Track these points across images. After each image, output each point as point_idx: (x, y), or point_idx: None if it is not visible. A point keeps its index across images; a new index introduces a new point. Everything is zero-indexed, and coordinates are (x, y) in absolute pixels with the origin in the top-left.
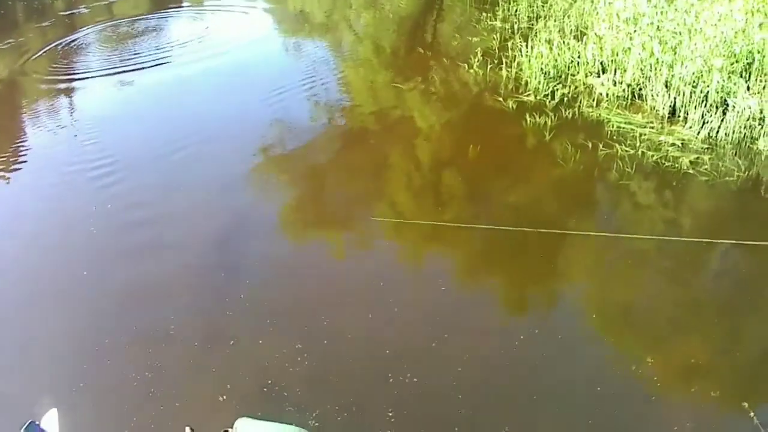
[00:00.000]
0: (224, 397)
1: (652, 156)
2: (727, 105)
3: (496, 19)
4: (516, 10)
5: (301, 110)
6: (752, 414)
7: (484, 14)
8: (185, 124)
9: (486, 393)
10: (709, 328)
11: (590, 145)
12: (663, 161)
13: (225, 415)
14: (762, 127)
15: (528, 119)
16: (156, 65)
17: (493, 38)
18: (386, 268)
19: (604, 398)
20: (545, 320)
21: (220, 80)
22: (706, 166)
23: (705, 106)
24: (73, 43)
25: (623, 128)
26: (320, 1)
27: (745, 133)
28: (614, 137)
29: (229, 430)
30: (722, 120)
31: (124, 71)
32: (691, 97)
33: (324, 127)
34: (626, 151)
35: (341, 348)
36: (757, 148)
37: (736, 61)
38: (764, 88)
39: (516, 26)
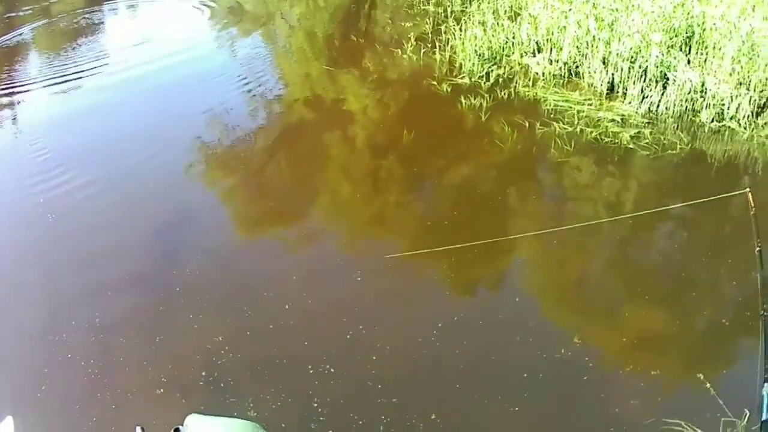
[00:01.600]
0: (162, 390)
1: (591, 132)
2: (668, 79)
3: (429, 4)
4: None
5: (238, 105)
6: (708, 385)
7: None
8: (119, 126)
9: (414, 380)
10: (658, 302)
11: (527, 124)
12: (603, 137)
13: (169, 408)
14: (704, 100)
15: (463, 101)
16: (90, 72)
17: (426, 23)
18: (324, 258)
19: (543, 380)
20: (481, 301)
21: (155, 81)
22: (647, 141)
23: (644, 81)
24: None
25: (561, 106)
26: None
27: (686, 107)
28: (552, 116)
29: (180, 427)
30: (662, 94)
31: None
32: (629, 72)
33: (260, 120)
34: (564, 128)
35: (263, 341)
36: (699, 120)
37: (676, 36)
38: (705, 61)
39: (449, 9)
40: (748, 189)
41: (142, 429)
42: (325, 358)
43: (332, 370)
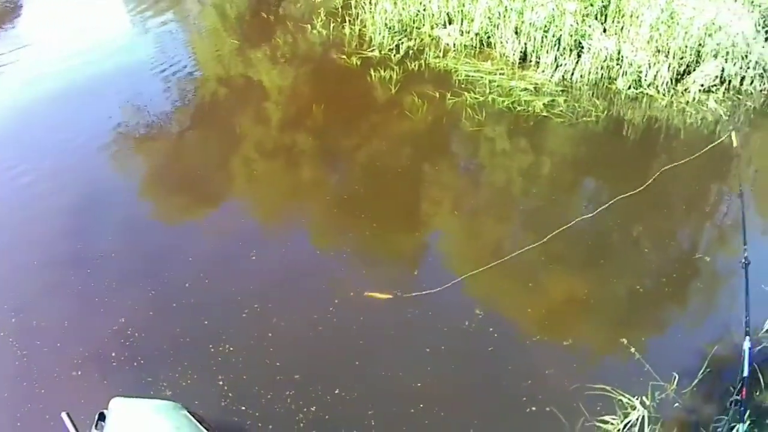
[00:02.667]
0: (79, 372)
1: (504, 102)
2: (582, 48)
3: None
4: None
5: (151, 86)
6: (633, 349)
7: None
8: (32, 109)
9: (314, 357)
10: (577, 269)
11: (438, 95)
12: (515, 106)
13: (88, 391)
14: (620, 67)
15: (373, 74)
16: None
17: None
18: (225, 237)
19: (448, 354)
20: (380, 276)
21: (64, 65)
22: (561, 108)
23: (558, 50)
24: None
25: (472, 77)
26: None
27: (602, 74)
28: (463, 86)
29: (105, 411)
30: (577, 63)
31: None
32: (542, 41)
33: (173, 100)
34: (476, 98)
35: (166, 321)
36: (616, 88)
37: (591, 5)
38: (622, 29)
39: None
40: (732, 128)
41: (68, 415)
42: (224, 336)
43: (231, 348)
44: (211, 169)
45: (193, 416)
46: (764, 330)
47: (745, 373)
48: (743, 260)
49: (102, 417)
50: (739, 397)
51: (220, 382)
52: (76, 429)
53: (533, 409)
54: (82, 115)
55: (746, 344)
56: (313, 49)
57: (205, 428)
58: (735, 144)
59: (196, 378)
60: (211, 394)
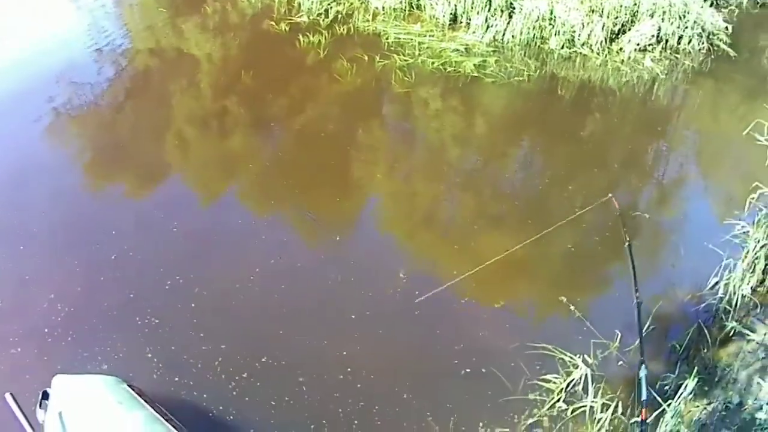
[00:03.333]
0: (18, 349)
1: (434, 63)
2: (514, 8)
3: None
4: None
5: (84, 62)
6: (572, 307)
7: None
8: None
9: (237, 327)
10: (514, 228)
11: (367, 58)
12: (445, 67)
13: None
14: (553, 27)
15: (302, 39)
16: None
17: None
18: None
19: (374, 319)
20: (300, 242)
21: None
22: (492, 68)
23: (489, 10)
24: None
25: (402, 39)
26: None
27: (534, 34)
28: (392, 48)
29: (48, 390)
30: (508, 23)
31: None
32: (473, 2)
33: (107, 74)
34: (405, 60)
35: (94, 294)
36: (548, 48)
37: None
38: None
39: None
40: (610, 195)
41: (12, 396)
42: (149, 309)
43: (156, 320)
44: (140, 140)
45: (132, 389)
46: (708, 287)
47: (644, 397)
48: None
49: (45, 396)
50: (639, 419)
51: (149, 354)
52: (20, 409)
53: (468, 371)
54: (14, 90)
55: (642, 372)
56: (243, 17)
57: (145, 401)
58: (617, 207)
59: (127, 351)
60: (143, 366)
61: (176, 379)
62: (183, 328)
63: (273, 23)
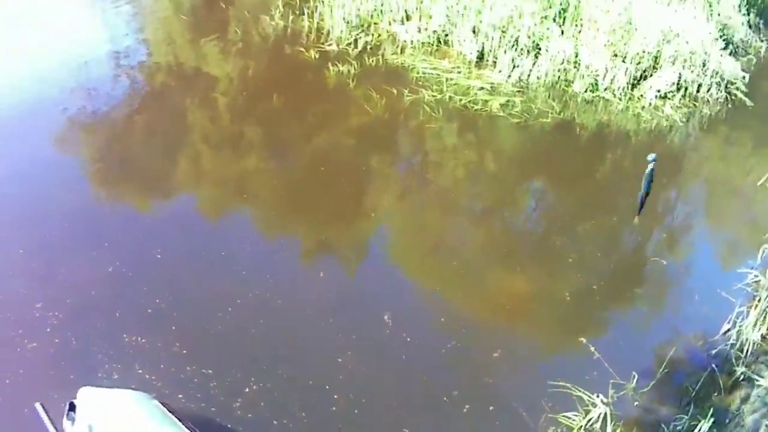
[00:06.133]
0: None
1: (461, 100)
2: (540, 49)
3: None
4: None
5: (104, 74)
6: (593, 348)
7: None
8: None
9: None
10: (532, 269)
11: (395, 91)
12: (472, 105)
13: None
14: (578, 71)
15: (331, 68)
16: None
17: None
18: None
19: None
20: (346, 263)
21: (17, 47)
22: (517, 109)
23: (516, 50)
24: None
25: (429, 74)
26: None
27: (559, 77)
28: (420, 83)
29: (74, 401)
30: (534, 64)
31: None
32: (500, 41)
33: (125, 90)
34: (433, 95)
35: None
36: (572, 91)
37: (550, 7)
38: (580, 32)
39: None
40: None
41: (42, 406)
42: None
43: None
44: (150, 156)
45: (162, 406)
46: (720, 333)
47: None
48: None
49: (72, 407)
50: None
51: (140, 371)
52: (50, 419)
53: (491, 408)
54: (34, 99)
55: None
56: (271, 41)
57: (176, 418)
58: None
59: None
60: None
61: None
62: (166, 349)
63: (303, 50)
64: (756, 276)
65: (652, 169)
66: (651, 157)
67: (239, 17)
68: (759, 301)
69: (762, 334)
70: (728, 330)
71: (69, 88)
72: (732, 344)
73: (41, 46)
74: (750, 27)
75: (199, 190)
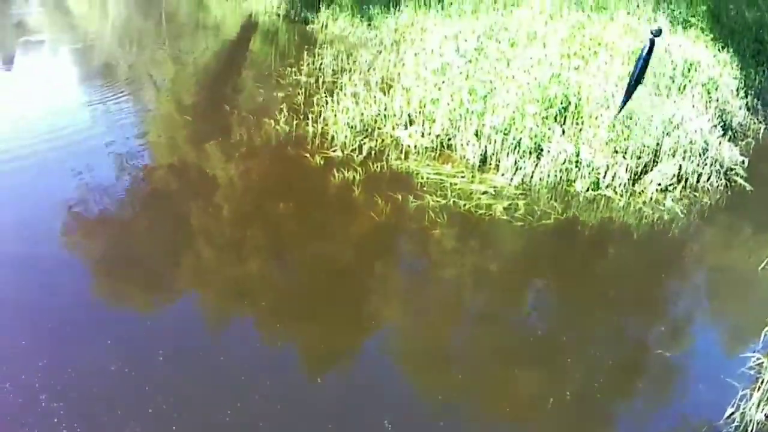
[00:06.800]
0: None
1: (465, 205)
2: (542, 150)
3: (300, 74)
4: (321, 64)
5: (103, 172)
6: None
7: (288, 68)
8: None
9: None
10: (534, 370)
11: (400, 197)
12: (476, 209)
13: None
14: (579, 170)
15: (336, 174)
16: None
17: (299, 93)
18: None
19: None
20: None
21: (17, 144)
22: (520, 212)
23: (518, 152)
24: None
25: (433, 179)
26: (124, 53)
27: (560, 177)
28: (424, 188)
29: None
30: (536, 165)
31: None
32: (503, 144)
33: (128, 190)
34: (437, 201)
35: None
36: (574, 190)
37: (551, 106)
38: (580, 130)
39: (321, 80)
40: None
41: None
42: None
43: None
44: (149, 256)
45: None
46: (724, 418)
47: None
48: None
49: None
50: None
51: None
52: None
53: None
54: (30, 196)
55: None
56: (274, 146)
57: None
58: None
59: None
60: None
61: None
62: None
63: (307, 155)
64: (759, 358)
65: (651, 48)
66: (654, 28)
67: (243, 120)
68: (762, 382)
69: (765, 414)
70: (732, 413)
71: (72, 187)
72: (736, 427)
73: (44, 146)
74: (748, 110)
75: (201, 293)
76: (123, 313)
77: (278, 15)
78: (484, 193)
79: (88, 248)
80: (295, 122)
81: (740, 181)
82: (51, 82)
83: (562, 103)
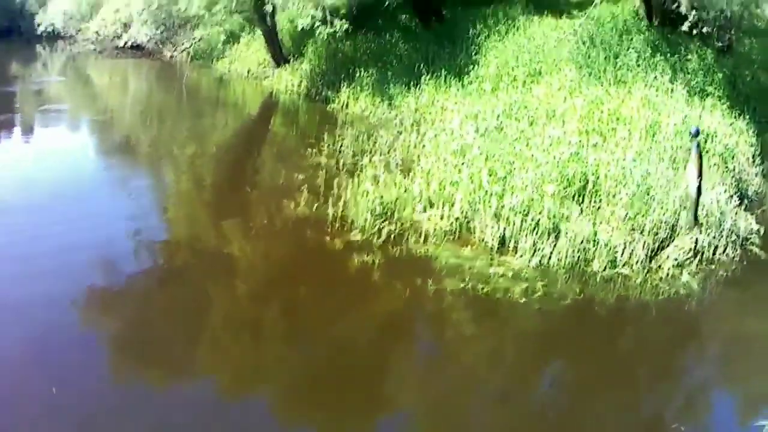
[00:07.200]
0: None
1: (483, 288)
2: (560, 230)
3: (321, 154)
4: (341, 145)
5: (123, 250)
6: None
7: (308, 149)
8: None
9: None
10: None
11: (419, 281)
12: (494, 293)
13: None
14: (596, 249)
15: (356, 259)
16: None
17: (319, 174)
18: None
19: None
20: None
21: (35, 222)
22: (538, 294)
23: (536, 233)
24: None
25: (452, 263)
26: (144, 128)
27: (578, 256)
28: (443, 273)
29: None
30: (554, 245)
31: None
32: (521, 225)
33: (147, 269)
34: (456, 285)
35: None
36: (591, 270)
37: (569, 185)
38: (598, 209)
39: (341, 161)
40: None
41: None
42: None
43: None
44: (172, 336)
45: None
46: None
47: None
48: None
49: None
50: None
51: None
52: None
53: None
54: (49, 272)
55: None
56: (294, 227)
57: None
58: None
59: None
60: None
61: None
62: None
63: (327, 238)
64: None
65: (699, 149)
66: (693, 130)
67: (263, 201)
68: None
69: None
70: None
71: (92, 264)
72: None
73: (63, 222)
74: (764, 177)
75: (217, 374)
76: (139, 392)
77: (299, 94)
78: (502, 275)
79: (105, 325)
80: (315, 204)
81: (756, 250)
82: (70, 154)
83: (580, 181)
